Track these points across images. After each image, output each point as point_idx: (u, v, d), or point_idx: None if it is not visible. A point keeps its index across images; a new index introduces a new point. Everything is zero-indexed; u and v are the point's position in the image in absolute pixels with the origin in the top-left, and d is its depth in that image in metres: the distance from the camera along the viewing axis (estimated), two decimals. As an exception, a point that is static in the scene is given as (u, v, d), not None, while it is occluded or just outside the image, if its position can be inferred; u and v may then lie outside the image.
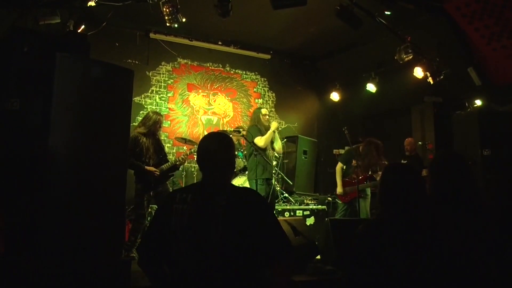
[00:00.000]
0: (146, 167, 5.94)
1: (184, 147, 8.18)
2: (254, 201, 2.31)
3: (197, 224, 2.23)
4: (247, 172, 7.42)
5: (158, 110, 8.78)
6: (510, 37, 6.85)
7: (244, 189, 2.53)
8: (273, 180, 6.54)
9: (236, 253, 2.18)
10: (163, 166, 6.15)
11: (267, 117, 6.62)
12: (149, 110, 8.57)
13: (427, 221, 2.30)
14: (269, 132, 6.41)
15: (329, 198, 8.22)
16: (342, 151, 8.83)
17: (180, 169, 6.89)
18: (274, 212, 6.91)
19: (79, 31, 5.89)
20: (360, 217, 6.52)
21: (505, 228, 2.49)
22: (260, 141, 6.40)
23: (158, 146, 6.26)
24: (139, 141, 5.97)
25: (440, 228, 2.31)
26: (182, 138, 7.80)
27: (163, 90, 9.04)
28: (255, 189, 6.16)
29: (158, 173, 6.01)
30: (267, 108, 6.69)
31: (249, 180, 6.62)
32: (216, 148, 2.38)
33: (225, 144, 2.43)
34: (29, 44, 3.96)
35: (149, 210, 6.30)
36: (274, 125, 6.49)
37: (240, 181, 7.34)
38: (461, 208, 2.52)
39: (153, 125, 6.11)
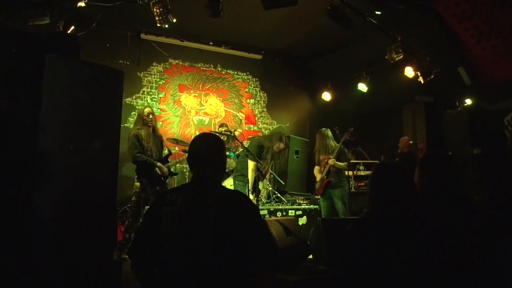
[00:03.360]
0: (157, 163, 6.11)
1: (176, 148, 8.16)
2: (243, 204, 2.28)
3: (188, 226, 2.21)
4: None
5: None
6: (499, 36, 6.90)
7: (234, 191, 2.51)
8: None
9: (228, 255, 2.16)
10: (169, 163, 6.32)
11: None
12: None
13: (416, 220, 2.31)
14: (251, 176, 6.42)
15: (321, 198, 8.23)
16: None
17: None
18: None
19: (68, 32, 5.85)
20: (336, 207, 6.74)
21: (494, 225, 2.50)
22: (250, 164, 6.43)
23: (160, 142, 6.39)
24: (140, 137, 6.06)
25: (429, 225, 2.31)
26: (174, 139, 7.78)
27: (154, 91, 9.01)
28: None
29: (165, 170, 6.16)
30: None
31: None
32: (207, 149, 2.38)
33: (216, 145, 2.42)
34: (18, 45, 3.94)
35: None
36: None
37: (231, 182, 7.33)
38: (449, 205, 2.55)
39: (139, 117, 6.25)
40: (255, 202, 6.29)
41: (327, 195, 6.89)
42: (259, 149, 6.53)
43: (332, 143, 6.92)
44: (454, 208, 2.55)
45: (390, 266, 2.19)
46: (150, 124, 6.20)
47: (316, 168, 7.20)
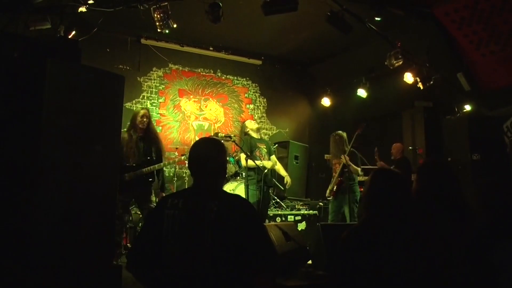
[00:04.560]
0: None
1: (176, 153, 8.18)
2: (244, 209, 2.30)
3: (189, 230, 2.23)
4: (238, 177, 7.43)
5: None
6: (498, 43, 6.93)
7: (235, 196, 2.53)
8: (269, 189, 6.48)
9: (227, 259, 2.17)
10: (144, 169, 5.82)
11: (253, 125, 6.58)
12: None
13: (411, 226, 2.32)
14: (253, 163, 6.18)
15: (321, 203, 8.23)
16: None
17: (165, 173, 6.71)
18: (266, 217, 6.92)
19: (70, 36, 5.86)
20: (344, 213, 6.65)
21: (491, 231, 2.51)
22: (243, 161, 6.26)
23: (149, 146, 5.94)
24: (123, 142, 5.64)
25: (424, 232, 2.32)
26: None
27: (154, 95, 9.02)
28: (246, 194, 6.15)
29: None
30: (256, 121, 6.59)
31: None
32: (208, 153, 2.38)
33: (217, 149, 2.43)
34: (20, 49, 3.95)
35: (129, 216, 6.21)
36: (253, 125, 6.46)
37: (231, 187, 7.33)
38: (445, 212, 2.57)
39: (132, 119, 5.97)
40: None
41: (339, 199, 6.75)
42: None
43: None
44: (450, 214, 2.57)
45: (386, 272, 2.19)
46: (142, 126, 5.89)
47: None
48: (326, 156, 7.15)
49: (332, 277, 2.51)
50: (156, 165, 5.95)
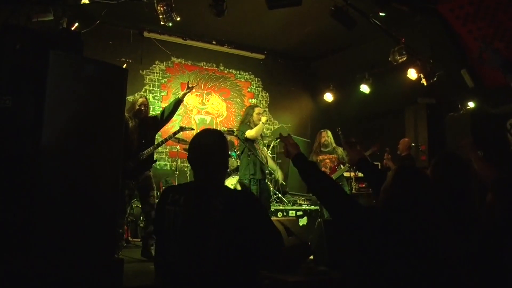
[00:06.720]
0: None
1: (178, 147, 8.18)
2: (250, 206, 2.21)
3: (191, 228, 2.16)
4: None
5: (151, 109, 8.75)
6: (503, 40, 6.89)
7: (240, 192, 2.46)
8: (267, 180, 6.48)
9: (232, 257, 2.11)
10: (144, 152, 5.76)
11: (261, 116, 6.47)
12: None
13: (431, 226, 2.23)
14: (260, 124, 6.27)
15: (322, 199, 8.22)
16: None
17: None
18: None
19: (72, 29, 5.84)
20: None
21: (496, 232, 2.48)
22: (250, 132, 6.23)
23: (144, 131, 5.85)
24: (127, 126, 5.55)
25: (438, 233, 2.27)
26: (176, 138, 7.75)
27: (156, 89, 9.02)
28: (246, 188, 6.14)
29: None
30: (261, 107, 6.45)
31: (240, 180, 6.54)
32: (211, 147, 2.27)
33: (220, 143, 2.32)
34: (22, 41, 3.93)
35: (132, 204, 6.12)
36: (264, 118, 6.38)
37: (232, 181, 7.32)
38: (459, 213, 2.52)
39: (133, 106, 5.83)
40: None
41: None
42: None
43: (334, 145, 6.97)
44: (461, 215, 2.52)
45: (402, 270, 2.12)
46: (139, 116, 5.80)
47: None
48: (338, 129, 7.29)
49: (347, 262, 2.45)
50: (154, 145, 5.94)
